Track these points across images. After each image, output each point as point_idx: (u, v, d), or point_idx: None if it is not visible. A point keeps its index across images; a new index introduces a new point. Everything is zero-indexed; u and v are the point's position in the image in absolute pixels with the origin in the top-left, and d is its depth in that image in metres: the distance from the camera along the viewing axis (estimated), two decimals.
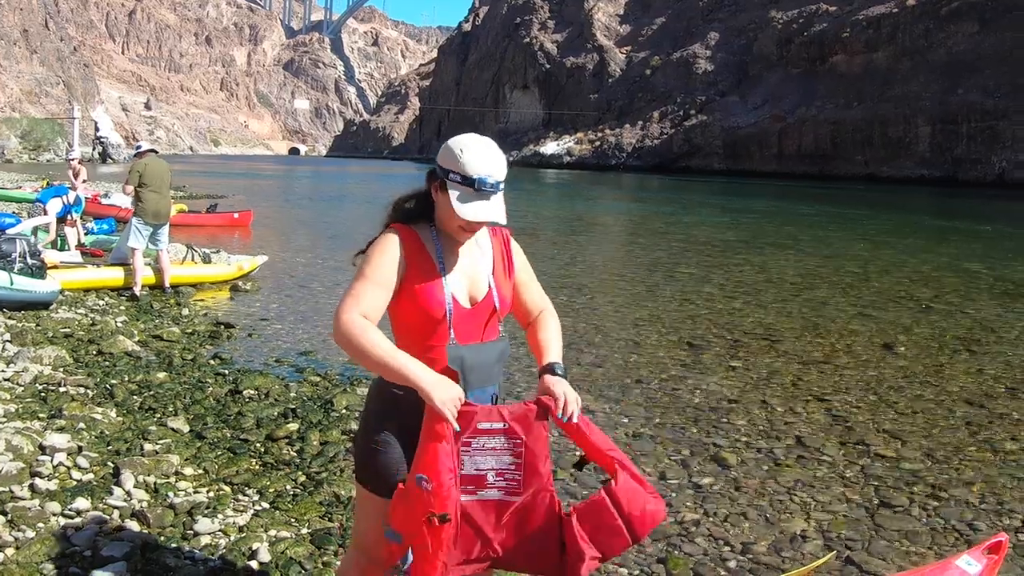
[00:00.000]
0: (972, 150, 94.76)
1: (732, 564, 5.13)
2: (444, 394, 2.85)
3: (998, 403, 8.71)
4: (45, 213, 17.46)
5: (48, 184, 23.52)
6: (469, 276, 3.19)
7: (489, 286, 3.22)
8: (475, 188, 3.00)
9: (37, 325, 10.33)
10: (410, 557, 2.96)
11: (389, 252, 3.07)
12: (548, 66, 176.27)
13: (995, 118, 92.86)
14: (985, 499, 6.23)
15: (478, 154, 3.03)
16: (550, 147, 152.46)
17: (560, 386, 3.12)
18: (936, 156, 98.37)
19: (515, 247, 3.41)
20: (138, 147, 14.39)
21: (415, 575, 2.93)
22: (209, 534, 4.96)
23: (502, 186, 3.07)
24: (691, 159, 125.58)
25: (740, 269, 19.34)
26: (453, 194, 3.02)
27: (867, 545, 5.44)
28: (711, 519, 5.75)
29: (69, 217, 17.39)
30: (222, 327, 11.22)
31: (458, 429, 2.91)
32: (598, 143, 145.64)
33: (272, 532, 5.05)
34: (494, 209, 3.05)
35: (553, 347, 3.35)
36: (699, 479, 6.48)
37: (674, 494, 6.16)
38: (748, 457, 7.00)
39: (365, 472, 3.20)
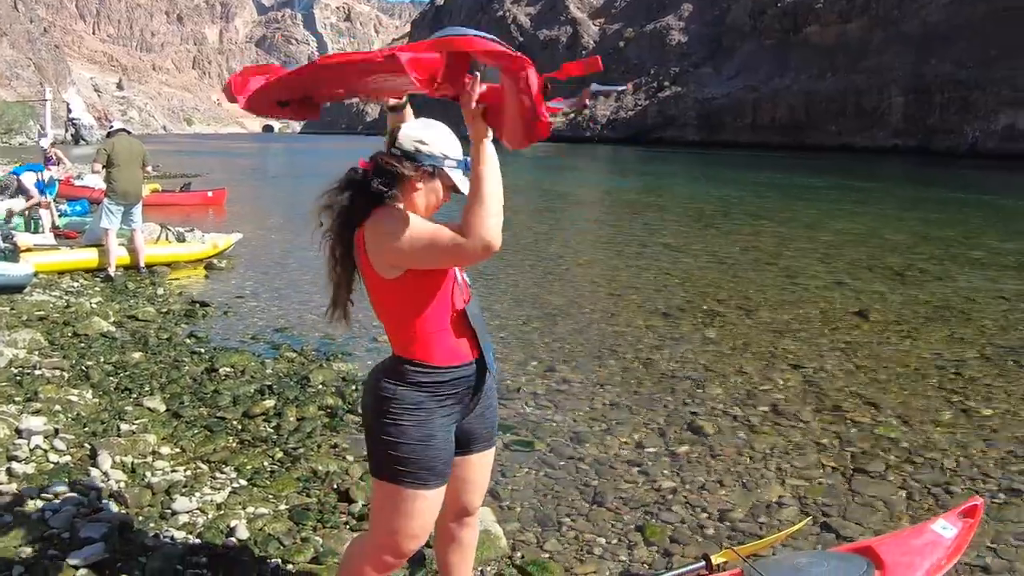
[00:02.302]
0: (945, 120, 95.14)
1: (710, 531, 5.17)
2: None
3: (971, 369, 8.78)
4: (21, 188, 17.32)
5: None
6: None
7: None
8: (467, 167, 3.08)
9: (11, 308, 10.26)
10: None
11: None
12: (521, 39, 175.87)
13: (968, 88, 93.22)
14: (959, 464, 6.29)
15: (452, 138, 3.18)
16: None
17: None
18: (909, 126, 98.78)
19: None
20: (110, 126, 14.31)
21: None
22: (187, 512, 4.95)
23: None
24: (665, 130, 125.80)
25: (715, 239, 19.39)
26: (456, 176, 3.12)
27: (843, 510, 5.48)
28: (688, 487, 5.78)
29: (43, 199, 17.24)
30: (197, 306, 11.18)
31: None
32: (572, 115, 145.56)
33: (250, 509, 5.04)
34: None
35: None
36: (676, 447, 6.51)
37: (651, 462, 6.19)
38: (724, 425, 7.04)
39: (403, 470, 3.15)
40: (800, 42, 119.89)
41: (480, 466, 3.48)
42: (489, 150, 2.92)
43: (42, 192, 17.32)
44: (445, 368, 3.14)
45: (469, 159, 3.06)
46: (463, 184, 3.08)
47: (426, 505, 3.19)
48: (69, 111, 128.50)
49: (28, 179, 17.39)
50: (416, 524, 3.20)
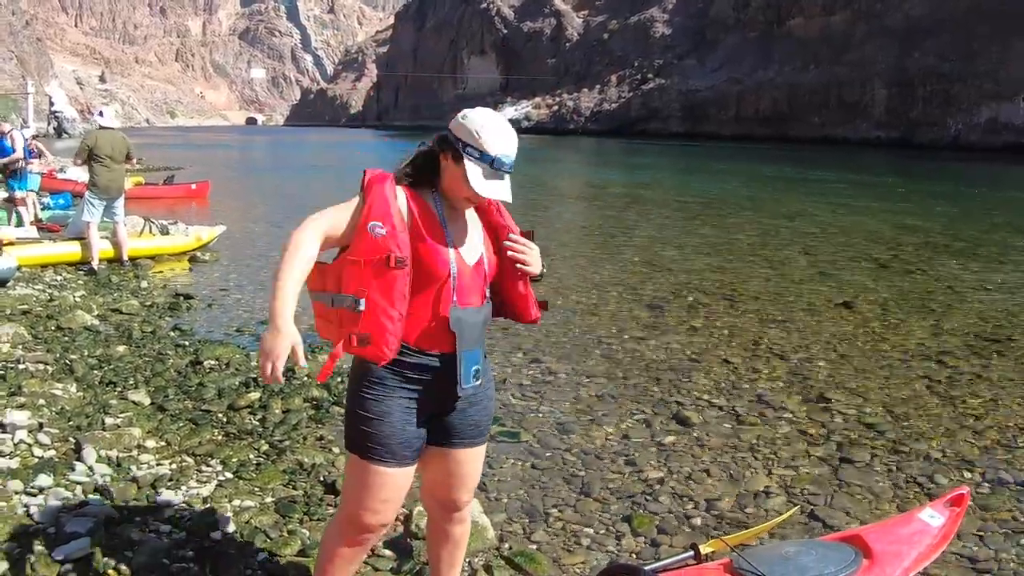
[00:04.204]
0: (927, 113, 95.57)
1: (697, 521, 5.17)
2: (269, 345, 3.00)
3: (957, 359, 8.81)
4: (11, 141, 17.22)
5: None
6: (466, 241, 3.25)
7: (481, 252, 3.28)
8: (492, 166, 3.08)
9: None
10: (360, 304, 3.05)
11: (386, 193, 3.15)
12: (505, 31, 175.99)
13: (950, 82, 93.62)
14: (945, 453, 6.31)
15: (498, 133, 3.09)
16: (508, 112, 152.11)
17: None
18: (892, 119, 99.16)
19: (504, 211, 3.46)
20: (99, 113, 14.21)
21: (367, 326, 3.03)
22: (173, 506, 4.93)
23: (513, 166, 3.14)
24: (649, 123, 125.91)
25: (699, 230, 19.43)
26: (471, 169, 3.07)
27: (830, 500, 5.49)
28: (675, 477, 5.78)
29: (18, 195, 17.05)
30: (181, 298, 11.14)
31: (276, 383, 3.08)
32: (556, 107, 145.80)
33: (236, 502, 5.02)
34: (505, 188, 3.15)
35: None
36: (662, 438, 6.51)
37: (637, 453, 6.18)
38: (710, 415, 7.05)
39: (357, 440, 3.23)
40: (784, 35, 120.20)
41: (463, 462, 3.44)
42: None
43: (20, 188, 17.18)
44: (412, 350, 3.15)
45: (502, 159, 3.08)
46: (475, 178, 3.07)
47: (384, 482, 3.20)
48: (51, 104, 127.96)
49: (19, 139, 17.30)
50: (375, 499, 3.22)
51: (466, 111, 3.17)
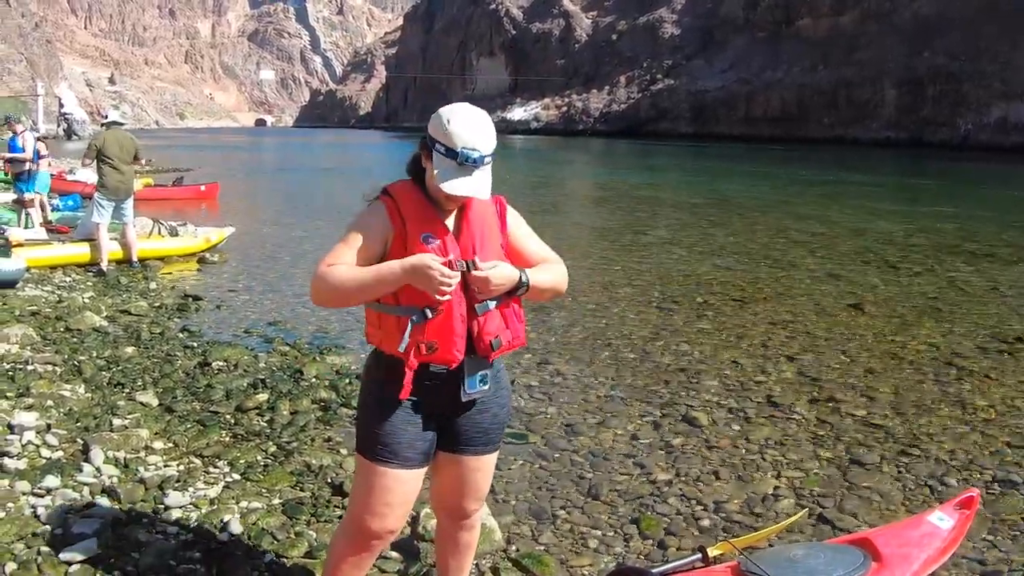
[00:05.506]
0: (938, 113, 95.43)
1: (705, 523, 5.15)
2: (423, 261, 2.93)
3: (967, 360, 8.77)
4: (20, 139, 17.30)
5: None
6: (462, 240, 3.17)
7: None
8: (457, 161, 2.98)
9: (3, 304, 10.20)
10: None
11: (368, 219, 3.14)
12: (514, 32, 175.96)
13: (960, 81, 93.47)
14: (955, 455, 6.27)
15: (463, 126, 2.99)
16: (517, 113, 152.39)
17: (500, 269, 3.11)
18: (902, 118, 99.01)
19: (510, 211, 3.38)
20: (104, 117, 14.27)
21: (435, 334, 3.06)
22: (180, 508, 4.92)
23: (487, 160, 3.03)
24: (658, 123, 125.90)
25: (709, 231, 19.40)
26: (437, 165, 3.01)
27: (839, 502, 5.47)
28: (683, 479, 5.76)
29: (27, 197, 17.09)
30: (190, 300, 11.15)
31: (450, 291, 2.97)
32: (565, 108, 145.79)
33: (243, 503, 5.01)
34: (475, 184, 3.02)
35: (537, 269, 3.34)
36: (671, 439, 6.49)
37: (646, 454, 6.17)
38: (719, 417, 7.02)
39: (363, 440, 3.24)
40: (792, 35, 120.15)
41: (472, 469, 3.40)
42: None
43: (36, 159, 17.25)
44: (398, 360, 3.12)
45: (471, 155, 2.97)
46: (440, 175, 3.01)
47: (386, 483, 3.18)
48: (61, 106, 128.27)
49: (30, 140, 17.36)
50: (377, 501, 3.19)
51: (442, 107, 3.11)
